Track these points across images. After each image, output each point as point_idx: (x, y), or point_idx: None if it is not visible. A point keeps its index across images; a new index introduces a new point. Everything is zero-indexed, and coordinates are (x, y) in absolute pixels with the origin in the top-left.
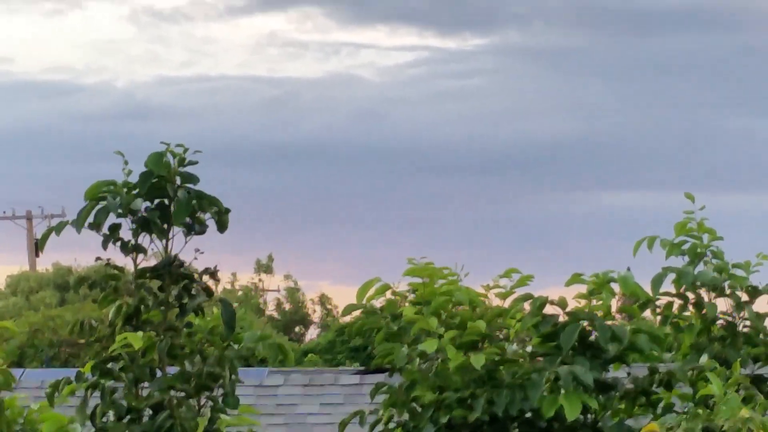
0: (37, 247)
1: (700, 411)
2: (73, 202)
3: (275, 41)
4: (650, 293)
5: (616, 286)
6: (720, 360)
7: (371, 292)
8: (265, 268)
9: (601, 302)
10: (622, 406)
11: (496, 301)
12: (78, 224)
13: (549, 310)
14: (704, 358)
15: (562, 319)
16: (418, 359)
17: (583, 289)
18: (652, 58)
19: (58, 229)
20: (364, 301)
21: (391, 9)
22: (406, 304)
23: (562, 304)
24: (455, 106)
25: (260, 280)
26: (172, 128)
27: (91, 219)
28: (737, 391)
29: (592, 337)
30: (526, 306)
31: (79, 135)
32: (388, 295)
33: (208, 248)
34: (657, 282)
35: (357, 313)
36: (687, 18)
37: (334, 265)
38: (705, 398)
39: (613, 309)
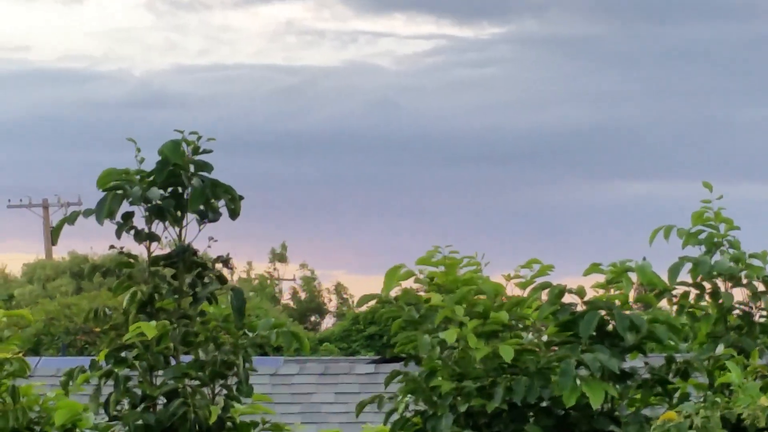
0: (53, 236)
1: (718, 399)
2: (90, 190)
3: (292, 29)
4: (667, 283)
5: (633, 276)
6: (737, 349)
7: (396, 279)
8: (279, 256)
9: (619, 291)
10: (638, 395)
11: (516, 291)
12: (99, 215)
13: (567, 299)
14: (720, 348)
15: (580, 308)
16: (438, 348)
17: (601, 278)
18: (670, 47)
19: (72, 219)
20: (394, 287)
21: None
22: (422, 293)
23: (580, 293)
24: (472, 95)
25: (275, 269)
26: (189, 116)
27: (109, 207)
28: (755, 379)
29: (610, 327)
30: (544, 295)
31: (95, 123)
32: (412, 282)
33: (223, 237)
34: (674, 271)
35: (373, 302)
36: (704, 7)
37: (351, 255)
38: (723, 386)
39: (631, 298)
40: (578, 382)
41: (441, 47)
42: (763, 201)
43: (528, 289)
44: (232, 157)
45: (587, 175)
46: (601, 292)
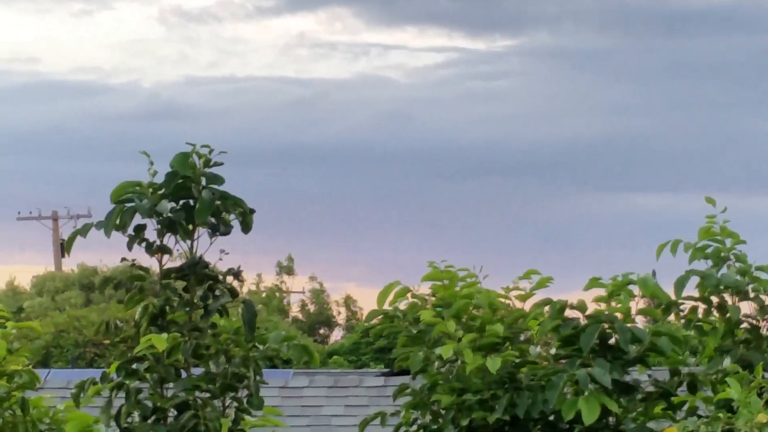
0: (63, 248)
1: (720, 414)
2: (100, 202)
3: (304, 42)
4: (672, 295)
5: (635, 288)
6: (744, 363)
7: (391, 296)
8: (286, 269)
9: (620, 305)
10: (643, 408)
11: (516, 303)
12: (107, 228)
13: (569, 313)
14: (727, 362)
15: (582, 322)
16: (437, 362)
17: (602, 292)
18: (681, 60)
19: (84, 231)
20: (386, 306)
21: (420, 10)
22: (428, 306)
23: (581, 307)
24: (484, 107)
25: (282, 281)
26: (200, 129)
27: (117, 220)
28: (760, 395)
29: (612, 340)
30: (547, 309)
31: (106, 135)
32: (409, 298)
33: (234, 249)
34: (680, 285)
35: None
36: (716, 19)
37: (361, 267)
38: (727, 401)
39: (633, 311)
40: (578, 395)
41: (453, 60)
42: None
43: (529, 302)
44: (242, 169)
45: (599, 188)
46: (603, 305)
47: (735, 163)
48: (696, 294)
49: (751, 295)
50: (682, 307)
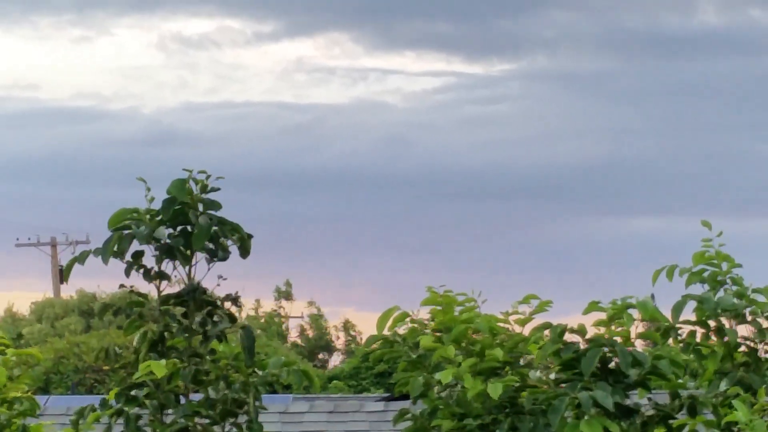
0: (62, 275)
1: None
2: (99, 228)
3: (302, 67)
4: (670, 319)
5: (635, 312)
6: (743, 386)
7: (390, 321)
8: (285, 294)
9: (621, 328)
10: None
11: (516, 328)
12: (104, 255)
13: (569, 337)
14: (724, 384)
15: (582, 346)
16: (437, 387)
17: (602, 316)
18: (680, 83)
19: (82, 258)
20: (385, 331)
21: (418, 34)
22: (427, 331)
23: (581, 331)
24: (482, 131)
25: (280, 306)
26: (198, 154)
27: (114, 247)
28: (762, 417)
29: (613, 363)
30: (547, 333)
31: (105, 161)
32: (408, 323)
33: (232, 274)
34: (677, 309)
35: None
36: (715, 42)
37: (360, 292)
38: (730, 425)
39: (633, 335)
40: (579, 419)
41: (451, 84)
42: None
43: (528, 326)
44: (240, 195)
45: (597, 211)
46: (603, 329)
47: (733, 186)
48: (693, 318)
49: (749, 318)
50: (680, 331)
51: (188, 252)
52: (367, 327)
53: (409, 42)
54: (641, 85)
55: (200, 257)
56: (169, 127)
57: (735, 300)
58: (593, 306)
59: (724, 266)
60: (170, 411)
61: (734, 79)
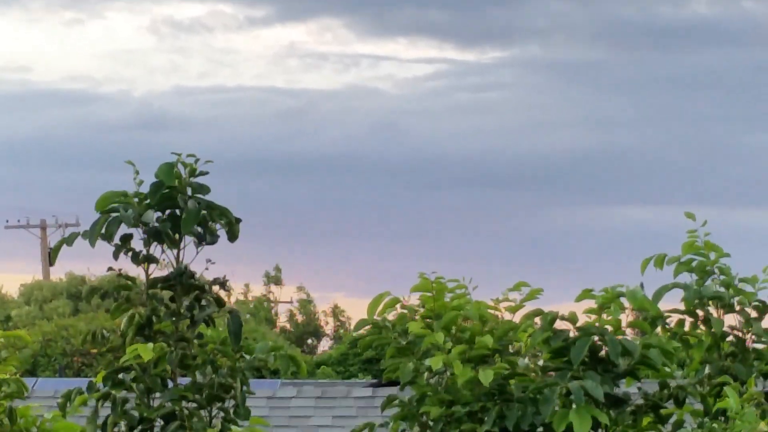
0: (50, 257)
1: (715, 425)
2: (88, 211)
3: (294, 52)
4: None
5: (625, 301)
6: (729, 376)
7: (380, 307)
8: (274, 279)
9: (611, 317)
10: (632, 421)
11: (506, 315)
12: (92, 238)
13: (560, 325)
14: (706, 371)
15: (572, 334)
16: (426, 374)
17: (593, 304)
18: (672, 73)
19: (70, 240)
20: (375, 316)
21: (411, 21)
22: (417, 318)
23: (572, 319)
24: (474, 119)
25: (270, 291)
26: (189, 138)
27: (103, 230)
28: (752, 406)
29: (603, 352)
30: (537, 321)
31: (95, 144)
32: (399, 309)
33: (221, 259)
34: (657, 296)
35: (369, 327)
36: (707, 33)
37: (349, 277)
38: (719, 413)
39: (624, 324)
40: (573, 407)
41: (442, 71)
42: (763, 226)
43: (519, 314)
44: (231, 179)
45: (588, 200)
46: (594, 317)
47: (724, 176)
48: (682, 307)
49: (737, 308)
50: (668, 320)
51: (176, 236)
52: (356, 313)
53: (402, 29)
54: (633, 75)
55: (188, 241)
56: (160, 110)
57: (719, 288)
58: (586, 294)
59: (712, 256)
60: (157, 395)
61: (726, 70)
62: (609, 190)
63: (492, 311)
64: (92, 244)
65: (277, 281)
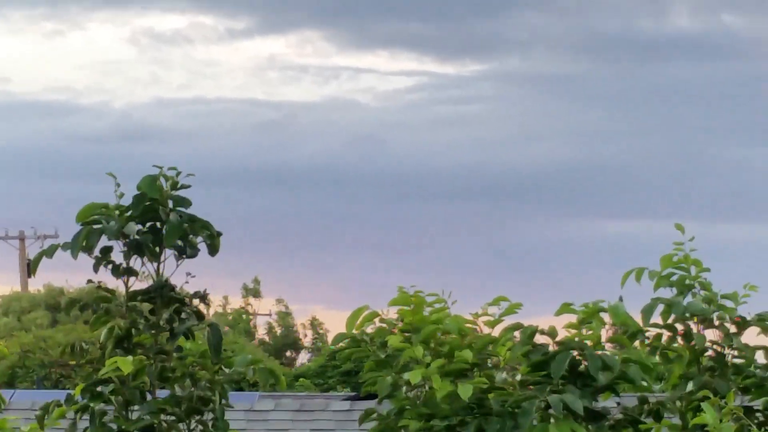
0: (29, 268)
1: None
2: (67, 222)
3: (274, 64)
4: (640, 323)
5: (606, 316)
6: (710, 391)
7: (359, 320)
8: (253, 291)
9: (591, 332)
10: None
11: (485, 329)
12: (73, 250)
13: (539, 339)
14: (689, 387)
15: (552, 348)
16: (404, 387)
17: (573, 318)
18: (653, 86)
19: (50, 252)
20: (354, 330)
21: (391, 34)
22: (396, 331)
23: (552, 333)
24: (454, 132)
25: (248, 303)
26: (169, 150)
27: (83, 242)
28: (730, 421)
29: (582, 367)
30: (517, 335)
31: (75, 155)
32: (378, 322)
33: (200, 271)
34: (647, 312)
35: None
36: (688, 46)
37: (328, 290)
38: (697, 428)
39: (603, 338)
40: (552, 421)
41: (422, 84)
42: (747, 240)
43: (498, 328)
44: (209, 190)
45: (569, 213)
46: (574, 331)
47: (703, 190)
48: (660, 321)
49: (716, 322)
50: (647, 334)
51: (157, 249)
52: (334, 325)
53: (382, 41)
54: (614, 88)
55: (169, 254)
56: (140, 122)
57: (704, 305)
58: (565, 308)
59: (693, 270)
60: (136, 407)
61: (706, 84)
62: (589, 203)
63: (470, 325)
64: (74, 255)
65: (256, 293)
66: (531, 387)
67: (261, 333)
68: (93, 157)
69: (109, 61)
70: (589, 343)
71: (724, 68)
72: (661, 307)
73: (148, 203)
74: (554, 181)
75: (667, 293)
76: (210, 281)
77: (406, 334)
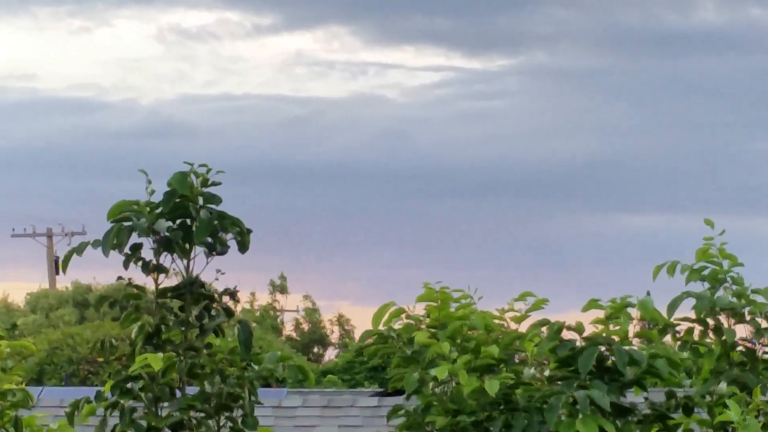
0: (58, 266)
1: None
2: (95, 219)
3: (301, 60)
4: (665, 315)
5: (633, 311)
6: (739, 386)
7: (386, 317)
8: (279, 288)
9: (618, 327)
10: (639, 431)
11: (512, 325)
12: (105, 247)
13: (566, 335)
14: (723, 384)
15: (579, 343)
16: (431, 383)
17: (600, 314)
18: (677, 80)
19: (80, 250)
20: (381, 327)
21: (417, 29)
22: (423, 327)
23: (578, 329)
24: (480, 127)
25: (276, 300)
26: (196, 146)
27: (114, 239)
28: (757, 417)
29: (610, 362)
30: (544, 330)
31: (102, 152)
32: (404, 319)
33: (229, 267)
34: (673, 306)
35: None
36: (712, 40)
37: (355, 286)
38: (723, 424)
39: (631, 334)
40: (572, 417)
41: (449, 79)
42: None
43: (524, 323)
44: (236, 187)
45: (595, 208)
46: (601, 327)
47: (730, 184)
48: (692, 315)
49: (747, 317)
50: (678, 328)
51: (187, 245)
52: (361, 321)
53: (409, 36)
54: (639, 83)
55: (199, 251)
56: (167, 119)
57: (733, 299)
58: (592, 304)
59: (726, 264)
60: (165, 404)
61: (732, 78)
62: (615, 198)
63: (497, 321)
64: (105, 253)
65: (283, 290)
66: (558, 382)
67: (288, 329)
68: (119, 154)
69: (136, 58)
70: (615, 338)
71: (750, 62)
72: (688, 301)
73: (178, 200)
74: (580, 176)
75: (699, 287)
76: (237, 277)
77: (433, 330)
